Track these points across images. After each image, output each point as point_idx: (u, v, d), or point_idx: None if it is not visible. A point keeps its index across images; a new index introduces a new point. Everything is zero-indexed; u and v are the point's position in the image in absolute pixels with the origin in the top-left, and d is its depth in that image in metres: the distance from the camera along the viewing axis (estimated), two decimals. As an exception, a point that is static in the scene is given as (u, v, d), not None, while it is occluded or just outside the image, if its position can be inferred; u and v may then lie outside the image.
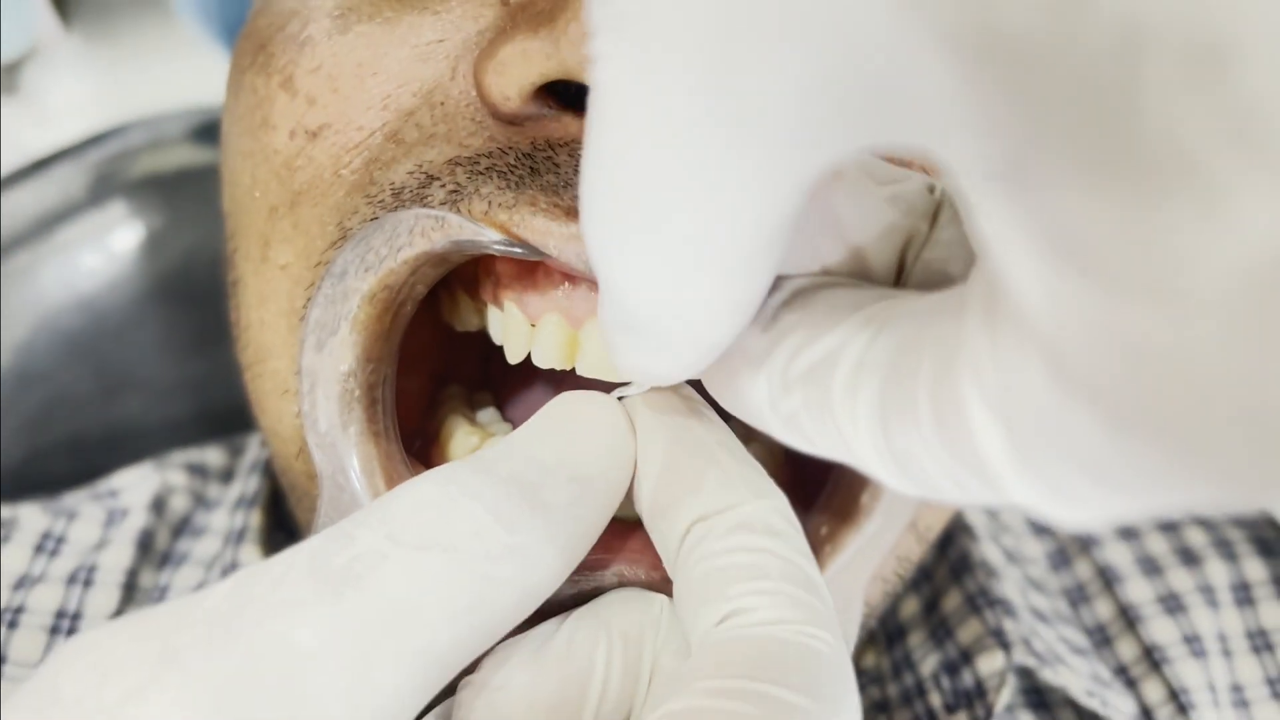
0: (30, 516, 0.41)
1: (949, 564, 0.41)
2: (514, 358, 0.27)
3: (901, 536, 0.29)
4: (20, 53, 1.38)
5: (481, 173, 0.25)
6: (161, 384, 0.52)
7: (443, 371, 0.33)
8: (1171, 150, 0.11)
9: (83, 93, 1.43)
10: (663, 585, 0.24)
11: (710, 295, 0.18)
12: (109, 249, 0.54)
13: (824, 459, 0.21)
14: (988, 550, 0.41)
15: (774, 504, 0.22)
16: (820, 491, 0.29)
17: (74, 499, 0.43)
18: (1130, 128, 0.12)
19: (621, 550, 0.25)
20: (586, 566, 0.24)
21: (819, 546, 0.27)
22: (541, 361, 0.26)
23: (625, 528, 0.25)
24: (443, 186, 0.25)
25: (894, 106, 0.14)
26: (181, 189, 0.56)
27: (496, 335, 0.28)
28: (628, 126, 0.15)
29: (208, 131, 0.57)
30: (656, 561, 0.24)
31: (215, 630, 0.17)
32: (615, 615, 0.23)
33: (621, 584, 0.25)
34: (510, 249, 0.24)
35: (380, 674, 0.18)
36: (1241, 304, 0.12)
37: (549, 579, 0.21)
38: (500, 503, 0.21)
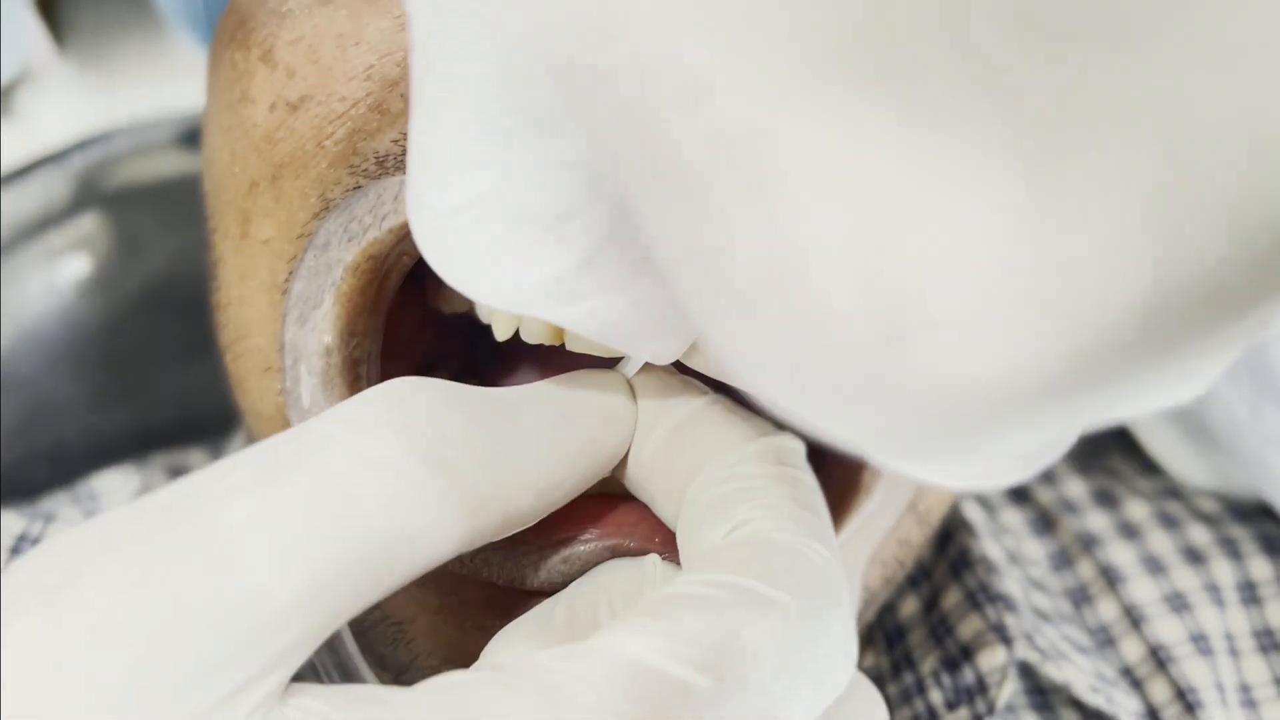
0: (7, 520, 0.40)
1: (948, 561, 0.41)
2: (502, 335, 0.26)
3: (902, 518, 0.28)
4: (13, 76, 1.38)
5: None
6: (146, 391, 0.52)
7: (430, 358, 0.32)
8: (683, 171, 0.13)
9: (77, 114, 1.44)
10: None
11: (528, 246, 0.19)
12: (93, 255, 0.53)
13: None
14: (988, 547, 0.40)
15: (779, 440, 0.22)
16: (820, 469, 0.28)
17: (53, 502, 0.42)
18: (661, 151, 0.13)
19: (614, 524, 0.24)
20: (576, 540, 0.24)
21: None
22: (529, 337, 0.26)
23: (616, 501, 0.24)
24: None
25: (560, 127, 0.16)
26: (167, 195, 0.55)
27: (483, 314, 0.27)
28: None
29: (194, 137, 0.56)
30: (650, 533, 0.24)
31: (155, 518, 0.18)
32: (610, 581, 0.22)
33: (614, 556, 0.24)
34: None
35: (317, 549, 0.18)
36: (763, 304, 0.13)
37: (516, 498, 0.20)
38: (472, 404, 0.20)
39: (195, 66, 0.54)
